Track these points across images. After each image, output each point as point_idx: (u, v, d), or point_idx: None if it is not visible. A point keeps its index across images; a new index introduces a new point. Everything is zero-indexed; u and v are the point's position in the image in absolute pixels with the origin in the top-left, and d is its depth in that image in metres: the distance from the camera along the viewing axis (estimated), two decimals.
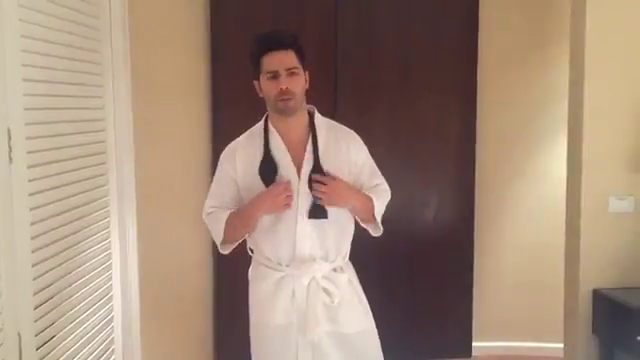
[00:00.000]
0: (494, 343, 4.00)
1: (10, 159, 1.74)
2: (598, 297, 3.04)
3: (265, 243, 2.19)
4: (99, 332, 2.36)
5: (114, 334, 2.52)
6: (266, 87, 2.10)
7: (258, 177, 2.14)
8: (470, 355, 3.86)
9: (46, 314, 1.95)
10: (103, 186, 2.42)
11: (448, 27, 3.73)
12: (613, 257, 3.07)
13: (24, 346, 1.81)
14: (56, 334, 2.02)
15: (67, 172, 2.09)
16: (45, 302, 1.94)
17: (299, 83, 2.11)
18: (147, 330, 2.72)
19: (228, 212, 2.19)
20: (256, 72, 2.13)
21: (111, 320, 2.49)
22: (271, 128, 2.17)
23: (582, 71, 3.05)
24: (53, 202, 1.99)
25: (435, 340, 3.82)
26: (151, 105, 2.82)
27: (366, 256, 3.75)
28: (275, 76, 2.07)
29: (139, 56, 2.62)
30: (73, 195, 2.13)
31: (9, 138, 1.73)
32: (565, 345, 3.30)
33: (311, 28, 3.63)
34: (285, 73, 2.07)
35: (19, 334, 1.79)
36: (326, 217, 2.15)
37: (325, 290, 2.17)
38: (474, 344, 3.87)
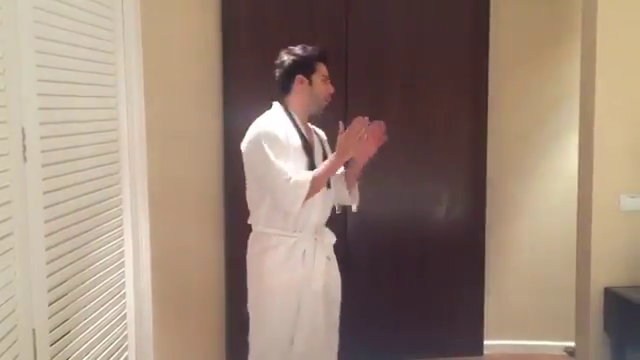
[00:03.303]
0: (505, 341, 4.00)
1: (24, 158, 1.76)
2: (610, 295, 3.03)
3: (287, 214, 2.57)
4: (112, 329, 2.39)
5: (127, 331, 2.55)
6: (321, 87, 2.68)
7: (299, 153, 2.59)
8: (481, 353, 3.86)
9: (60, 311, 1.98)
10: (116, 185, 2.45)
11: (459, 25, 3.73)
12: (625, 255, 3.07)
13: (38, 342, 1.83)
14: (70, 330, 2.04)
15: (81, 171, 2.12)
16: (59, 299, 1.97)
17: None
18: (160, 327, 2.75)
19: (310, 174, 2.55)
20: (306, 70, 2.66)
21: (124, 317, 2.52)
22: (295, 117, 2.67)
23: (593, 69, 3.05)
24: (67, 200, 2.02)
25: (446, 338, 3.83)
26: (163, 104, 2.85)
27: (378, 254, 3.78)
28: (326, 81, 2.69)
29: (151, 56, 2.65)
30: (86, 193, 2.16)
31: (23, 137, 1.75)
32: (577, 343, 3.29)
33: (322, 27, 3.64)
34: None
35: (33, 330, 1.81)
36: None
37: (326, 247, 2.68)
38: (485, 342, 3.87)
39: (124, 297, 2.52)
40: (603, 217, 3.07)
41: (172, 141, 2.98)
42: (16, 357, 1.73)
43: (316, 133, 2.79)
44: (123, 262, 2.52)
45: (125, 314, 2.53)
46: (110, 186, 2.39)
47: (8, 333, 1.68)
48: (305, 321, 2.59)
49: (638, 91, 3.04)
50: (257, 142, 2.54)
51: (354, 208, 2.91)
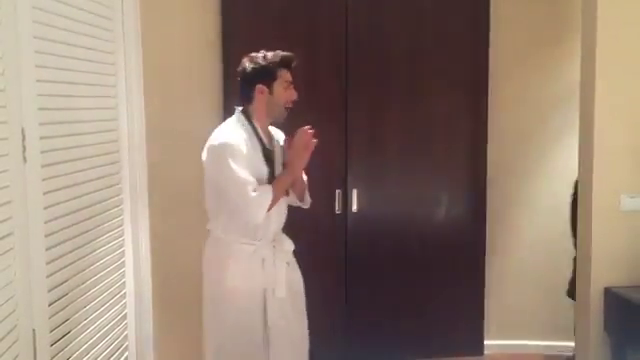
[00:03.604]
0: (505, 341, 4.00)
1: (24, 158, 1.76)
2: (610, 295, 3.03)
3: (247, 223, 2.52)
4: (113, 328, 2.39)
5: (127, 331, 2.55)
6: (282, 95, 2.57)
7: (261, 164, 2.54)
8: (482, 353, 3.86)
9: (60, 311, 1.98)
10: (116, 185, 2.45)
11: (459, 23, 3.72)
12: (625, 255, 3.06)
13: (38, 342, 1.83)
14: (70, 331, 2.05)
15: (80, 171, 2.12)
16: (59, 299, 1.97)
17: None
18: (160, 327, 2.75)
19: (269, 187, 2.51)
20: (267, 78, 2.55)
21: (125, 317, 2.53)
22: (256, 125, 2.59)
23: (593, 69, 3.04)
24: (67, 201, 2.02)
25: (446, 338, 3.83)
26: (163, 104, 2.85)
27: (378, 254, 3.78)
28: (288, 87, 2.57)
29: (151, 56, 2.65)
30: (86, 194, 2.16)
31: (23, 138, 1.75)
32: (576, 343, 3.29)
33: (322, 25, 3.64)
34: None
35: (34, 330, 1.82)
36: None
37: (286, 254, 2.63)
38: (485, 342, 3.86)
39: (124, 297, 2.53)
40: (603, 217, 3.06)
41: (172, 141, 2.98)
42: (16, 357, 1.73)
43: (275, 138, 2.73)
44: (123, 262, 2.53)
45: (125, 314, 2.54)
46: (110, 186, 2.39)
47: (8, 333, 1.69)
48: (274, 325, 2.56)
49: (638, 91, 3.04)
50: (219, 154, 2.45)
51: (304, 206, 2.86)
